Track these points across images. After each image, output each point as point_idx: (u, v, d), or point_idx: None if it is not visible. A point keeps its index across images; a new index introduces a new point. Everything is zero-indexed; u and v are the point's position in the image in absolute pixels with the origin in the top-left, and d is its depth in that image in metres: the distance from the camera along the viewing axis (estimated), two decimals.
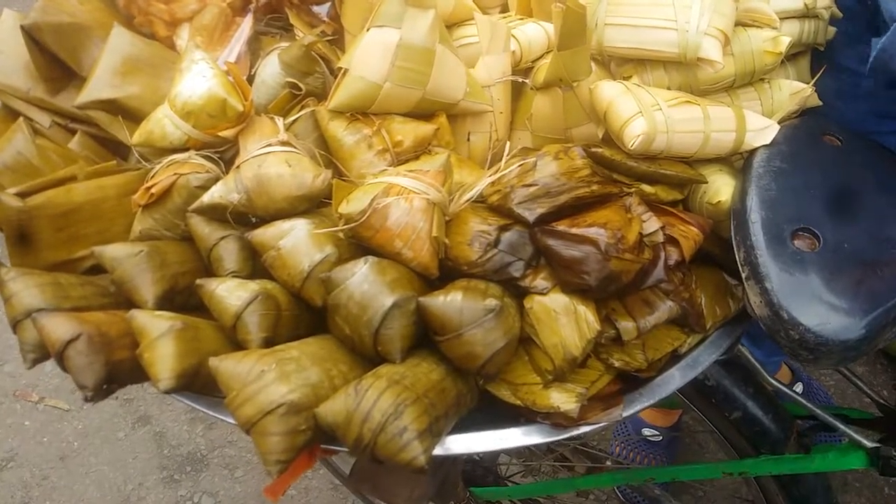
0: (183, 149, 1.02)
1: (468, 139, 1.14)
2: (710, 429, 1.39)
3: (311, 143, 1.06)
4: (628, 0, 1.10)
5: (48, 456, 2.21)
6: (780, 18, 1.16)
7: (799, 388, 2.15)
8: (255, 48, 1.20)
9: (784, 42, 1.09)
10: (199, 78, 0.99)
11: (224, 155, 1.04)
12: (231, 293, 0.88)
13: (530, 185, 0.97)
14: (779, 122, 1.16)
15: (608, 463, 1.69)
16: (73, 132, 1.10)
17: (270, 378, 0.82)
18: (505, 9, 1.29)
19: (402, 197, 0.93)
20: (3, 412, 2.31)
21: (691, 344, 1.06)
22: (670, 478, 1.46)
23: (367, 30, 1.03)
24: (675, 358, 1.05)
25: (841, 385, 2.26)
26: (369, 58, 1.02)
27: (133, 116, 1.06)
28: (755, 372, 1.27)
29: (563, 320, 0.93)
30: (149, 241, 0.99)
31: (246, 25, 1.15)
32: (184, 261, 0.97)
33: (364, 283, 0.88)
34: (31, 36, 1.04)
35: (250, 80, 1.15)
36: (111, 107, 1.05)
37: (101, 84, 1.05)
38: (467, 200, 0.99)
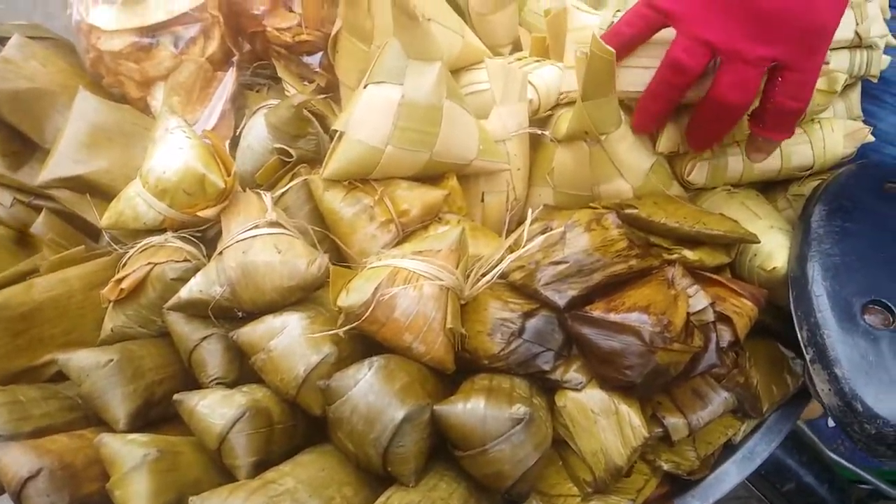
0: (158, 230, 0.89)
1: (482, 200, 1.01)
2: (759, 496, 1.26)
3: (305, 216, 0.93)
4: None
5: None
6: (831, 49, 1.03)
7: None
8: (240, 104, 1.07)
9: (839, 80, 0.96)
10: (174, 150, 0.86)
11: (206, 234, 0.91)
12: (214, 410, 0.76)
13: (559, 263, 0.84)
14: (834, 168, 1.03)
15: None
16: (37, 209, 0.98)
17: None
18: (517, 47, 1.16)
19: (410, 284, 0.80)
20: None
21: (746, 431, 0.93)
22: None
23: (365, 86, 0.90)
24: (728, 448, 0.92)
25: None
26: (368, 119, 0.89)
27: (102, 193, 0.94)
28: (809, 441, 1.14)
29: (603, 423, 0.80)
30: (121, 341, 0.86)
31: (228, 81, 1.03)
32: (161, 365, 0.84)
33: (369, 393, 0.75)
34: None
35: (235, 141, 1.03)
36: (77, 184, 0.93)
37: (64, 159, 0.93)
38: (486, 283, 0.86)
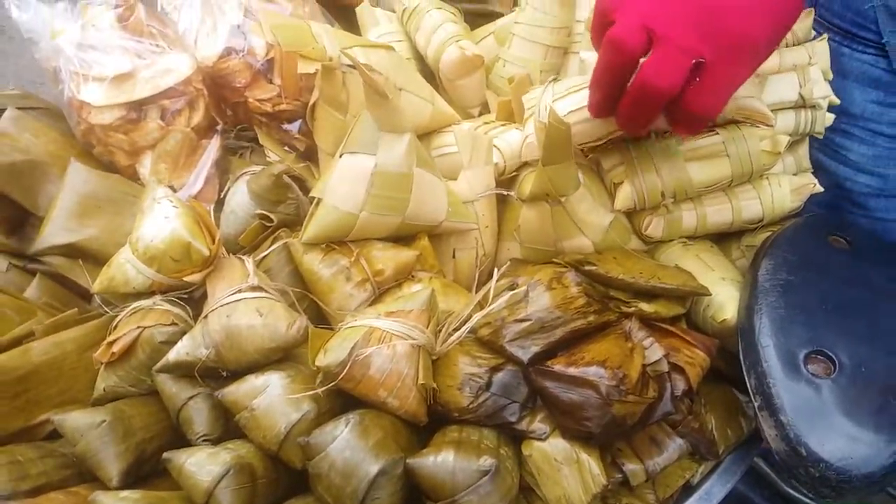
0: (147, 293, 0.95)
1: (454, 256, 1.08)
2: None
3: (286, 276, 0.99)
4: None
5: None
6: (775, 111, 1.10)
7: None
8: (223, 168, 1.14)
9: (782, 142, 1.03)
10: (161, 220, 0.92)
11: (193, 295, 0.97)
12: (201, 467, 0.81)
13: (523, 321, 0.91)
14: (780, 223, 1.10)
15: None
16: (31, 273, 1.03)
17: None
18: (486, 109, 1.24)
19: (384, 343, 0.86)
20: None
21: (704, 472, 0.98)
22: None
23: (340, 155, 0.97)
24: (686, 489, 0.98)
25: None
26: (343, 187, 0.95)
27: (94, 258, 1.00)
28: (770, 480, 1.20)
29: (566, 471, 0.86)
30: (112, 400, 0.91)
31: (212, 148, 1.09)
32: (150, 424, 0.89)
33: (346, 448, 0.80)
34: None
35: (220, 202, 1.09)
36: (70, 251, 0.99)
37: (57, 228, 0.98)
38: (455, 340, 0.92)
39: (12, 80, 2.43)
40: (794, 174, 1.18)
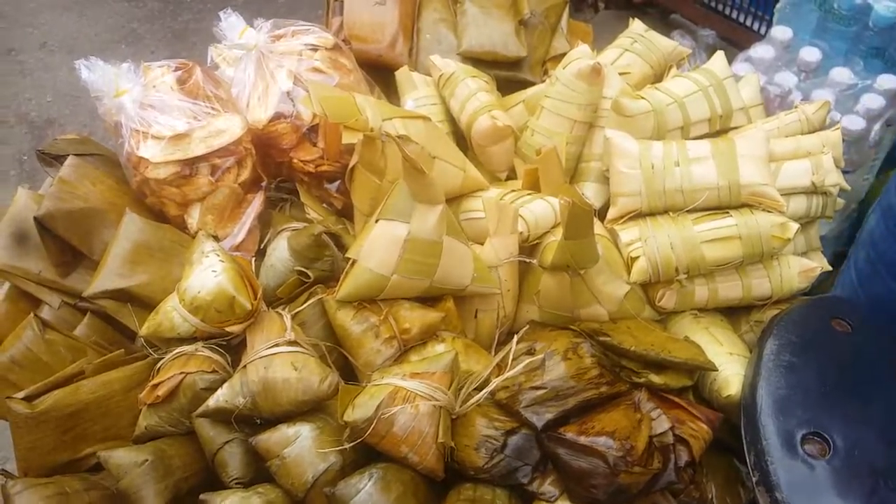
0: (190, 339, 1.02)
1: (476, 316, 1.14)
2: None
3: (319, 329, 1.06)
4: None
5: None
6: (787, 195, 1.17)
7: None
8: (265, 219, 1.21)
9: (792, 228, 1.10)
10: (208, 273, 1.00)
11: (231, 342, 1.04)
12: None
13: (538, 388, 0.97)
14: (788, 300, 1.16)
15: None
16: (82, 311, 1.11)
17: None
18: (513, 173, 1.31)
19: (408, 403, 0.93)
20: None
21: None
22: None
23: (376, 221, 1.04)
24: None
25: None
26: (377, 250, 1.02)
27: (142, 303, 1.07)
28: None
29: None
30: (153, 438, 0.98)
31: (256, 202, 1.17)
32: (187, 463, 0.96)
33: (368, 502, 0.87)
34: (44, 224, 1.05)
35: (260, 252, 1.16)
36: (120, 295, 1.06)
37: (110, 274, 1.06)
38: (475, 402, 0.98)
39: (50, 92, 2.54)
40: (805, 253, 1.24)
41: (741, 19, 2.46)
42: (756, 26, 2.43)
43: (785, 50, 2.30)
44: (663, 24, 2.67)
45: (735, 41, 2.57)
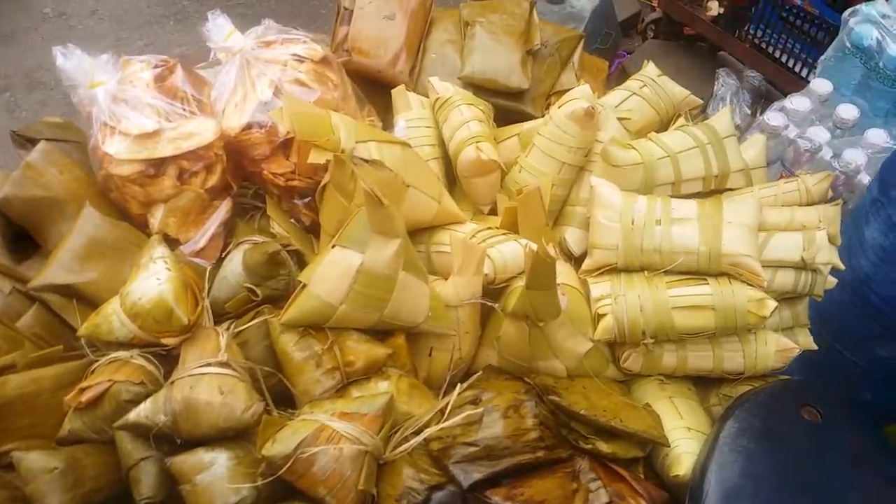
0: (129, 344, 0.99)
1: (430, 354, 1.10)
2: None
3: (261, 350, 1.03)
4: None
5: None
6: (774, 267, 1.10)
7: None
8: (231, 227, 1.18)
9: (769, 307, 1.03)
10: (152, 280, 0.97)
11: (171, 352, 1.01)
12: None
13: (471, 444, 0.92)
14: (763, 378, 1.10)
15: None
16: (32, 299, 1.08)
17: None
18: (494, 210, 1.26)
19: (331, 444, 0.89)
20: None
21: None
22: None
23: (332, 246, 1.00)
24: None
25: None
26: (328, 278, 0.98)
27: (88, 301, 1.05)
28: None
29: None
30: (76, 441, 0.96)
31: (223, 209, 1.14)
32: (101, 475, 0.93)
33: None
34: (0, 209, 1.04)
35: (221, 261, 1.13)
36: (67, 291, 1.04)
37: (59, 268, 1.04)
38: (404, 450, 0.94)
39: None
40: (790, 328, 1.17)
41: (790, 64, 2.38)
42: (805, 73, 2.35)
43: (822, 104, 2.21)
44: (711, 60, 2.60)
45: (780, 86, 2.50)
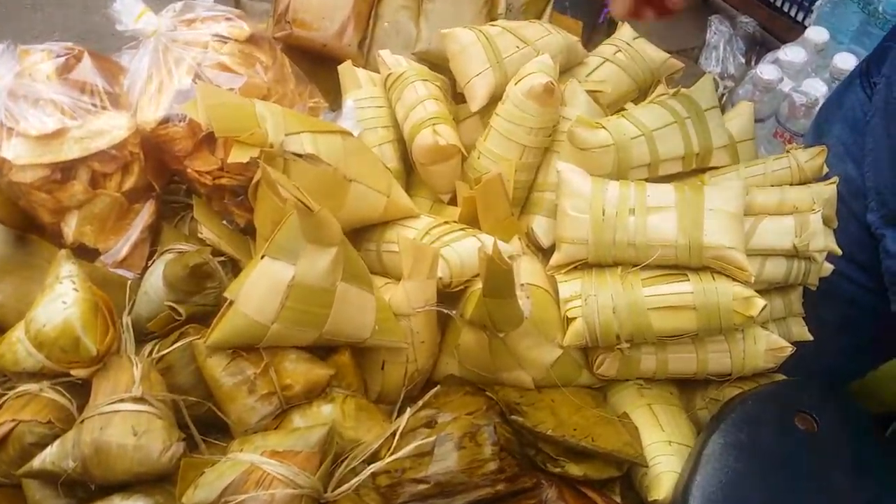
0: (39, 374, 0.88)
1: (382, 368, 0.98)
2: None
3: (189, 374, 0.92)
4: None
5: None
6: (763, 255, 0.99)
7: None
8: (157, 232, 1.06)
9: (758, 306, 0.92)
10: (57, 304, 0.85)
11: (88, 381, 0.90)
12: None
13: (421, 482, 0.82)
14: (745, 387, 0.99)
15: None
16: None
17: None
18: (454, 200, 1.13)
19: (262, 489, 0.78)
20: None
21: None
22: None
23: (262, 257, 0.88)
24: None
25: None
26: (257, 294, 0.87)
27: None
28: None
29: None
30: None
31: (145, 213, 1.02)
32: None
33: None
34: None
35: (146, 270, 1.02)
36: None
37: None
38: (348, 489, 0.83)
39: (59, 31, 2.32)
40: (783, 319, 1.06)
41: (785, 8, 2.22)
42: (801, 17, 2.20)
43: (818, 54, 2.07)
44: (703, 6, 2.46)
45: (776, 33, 2.35)
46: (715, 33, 2.64)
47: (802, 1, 2.17)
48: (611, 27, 1.98)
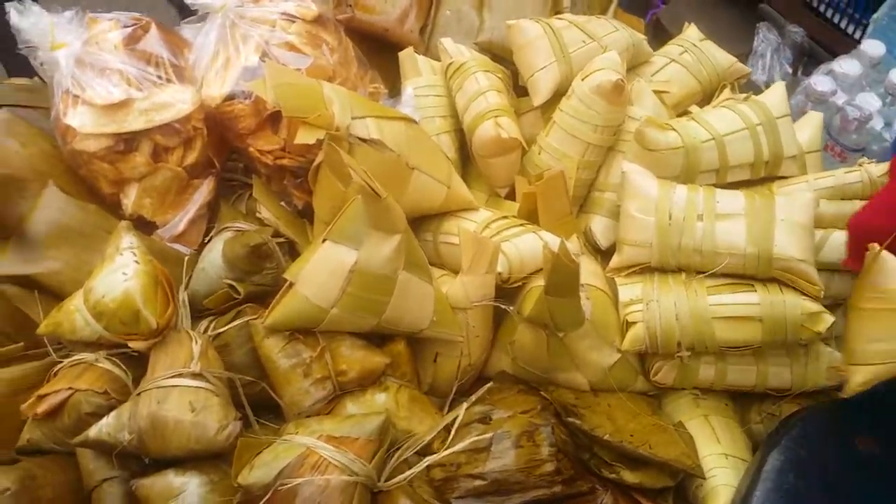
0: (95, 344, 0.88)
1: (435, 360, 0.97)
2: None
3: (244, 354, 0.91)
4: None
5: None
6: (831, 271, 0.96)
7: None
8: (215, 207, 1.05)
9: (826, 321, 0.90)
10: (118, 275, 0.85)
11: (144, 354, 0.89)
12: None
13: (477, 478, 0.80)
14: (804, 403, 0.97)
15: None
16: None
17: None
18: (511, 194, 1.12)
19: (317, 473, 0.77)
20: None
21: None
22: None
23: (323, 240, 0.87)
24: None
25: None
26: (318, 277, 0.86)
27: (52, 293, 0.93)
28: None
29: None
30: (35, 453, 0.86)
31: (204, 189, 1.01)
32: (61, 495, 0.83)
33: None
34: None
35: (202, 247, 1.01)
36: (25, 282, 0.92)
37: (17, 258, 0.92)
38: (403, 479, 0.82)
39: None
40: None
41: (836, 20, 2.17)
42: (852, 30, 2.15)
43: (873, 68, 2.02)
44: (751, 12, 2.42)
45: (826, 44, 2.29)
46: (762, 41, 2.59)
47: (853, 13, 2.13)
48: (657, 27, 1.95)
